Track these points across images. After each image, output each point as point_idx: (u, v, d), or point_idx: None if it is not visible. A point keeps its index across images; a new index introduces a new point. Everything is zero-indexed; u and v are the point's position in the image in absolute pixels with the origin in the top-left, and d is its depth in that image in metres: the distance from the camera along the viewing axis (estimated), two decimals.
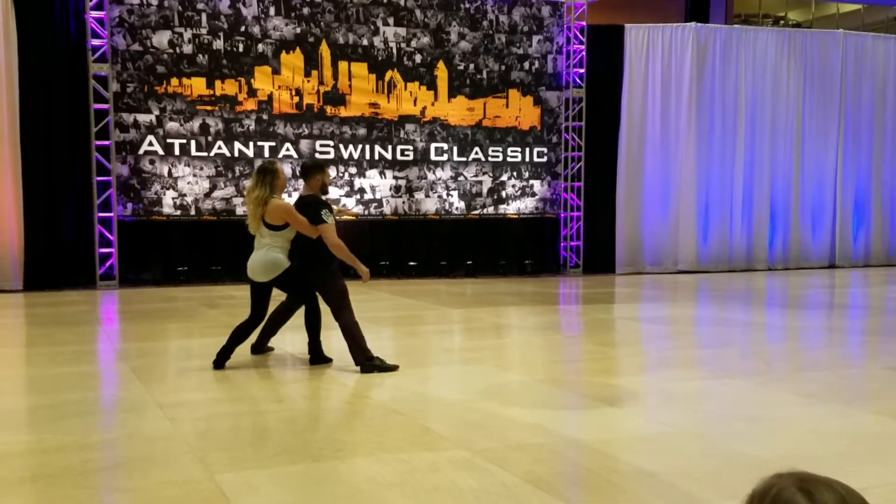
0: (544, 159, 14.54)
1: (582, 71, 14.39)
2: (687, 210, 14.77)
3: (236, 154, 13.07)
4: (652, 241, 14.84)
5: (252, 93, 13.10)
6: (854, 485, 1.32)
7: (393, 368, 6.37)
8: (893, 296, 12.06)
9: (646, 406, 5.48)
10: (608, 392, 5.75)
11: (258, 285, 6.50)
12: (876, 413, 5.09)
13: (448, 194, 14.08)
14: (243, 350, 7.00)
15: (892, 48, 15.93)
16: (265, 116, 13.16)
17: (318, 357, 6.67)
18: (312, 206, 6.42)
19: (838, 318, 10.14)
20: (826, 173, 15.60)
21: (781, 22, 20.76)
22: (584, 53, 14.36)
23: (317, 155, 13.32)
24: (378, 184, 13.71)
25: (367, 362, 6.36)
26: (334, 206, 6.85)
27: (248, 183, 6.80)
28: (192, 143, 12.87)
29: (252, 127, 13.11)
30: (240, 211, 13.07)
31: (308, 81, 13.33)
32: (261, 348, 7.06)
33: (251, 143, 13.12)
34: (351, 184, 13.60)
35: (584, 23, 14.34)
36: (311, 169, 6.67)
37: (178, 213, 12.85)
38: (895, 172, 15.99)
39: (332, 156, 13.45)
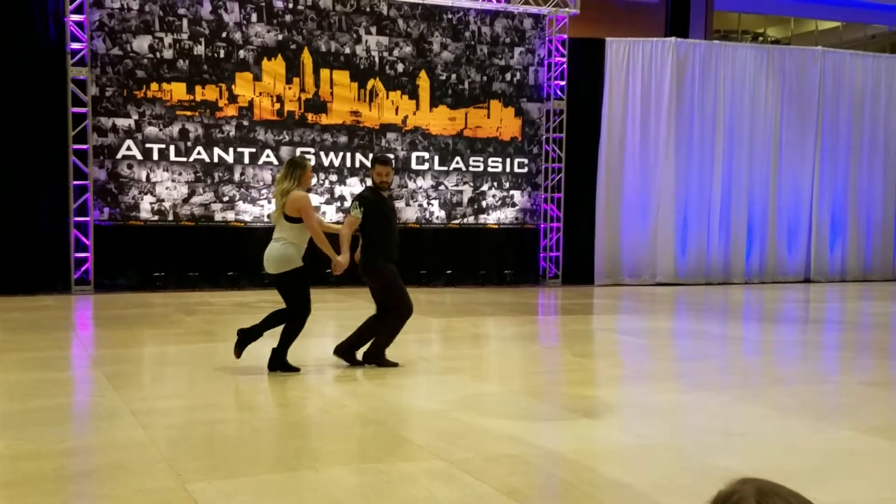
0: (525, 170, 14.58)
1: (563, 83, 14.46)
2: (665, 223, 14.86)
3: (216, 160, 13.00)
4: (631, 253, 14.91)
5: (233, 99, 13.04)
6: (826, 501, 1.33)
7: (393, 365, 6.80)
8: (868, 311, 12.18)
9: (623, 418, 5.49)
10: (585, 404, 5.76)
11: (272, 278, 6.55)
12: (850, 429, 5.12)
13: (429, 203, 14.08)
14: (221, 355, 6.94)
15: (869, 66, 16.13)
16: (245, 122, 13.11)
17: (278, 364, 6.55)
18: (355, 197, 6.93)
19: (813, 332, 10.22)
20: (803, 189, 15.75)
21: (760, 38, 20.99)
22: (565, 66, 14.43)
23: None
24: (359, 191, 13.67)
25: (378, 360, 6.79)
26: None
27: (277, 175, 6.95)
28: (171, 148, 12.79)
29: (232, 133, 13.05)
30: (218, 217, 13.00)
31: (289, 88, 13.30)
32: (348, 357, 6.86)
33: (231, 149, 13.06)
34: (331, 191, 13.56)
35: (565, 36, 14.42)
36: (375, 162, 7.03)
37: (156, 218, 12.75)
38: (871, 189, 16.17)
39: (312, 163, 13.39)
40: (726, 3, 17.29)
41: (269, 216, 6.73)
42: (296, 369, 6.57)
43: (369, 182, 7.10)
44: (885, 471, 4.29)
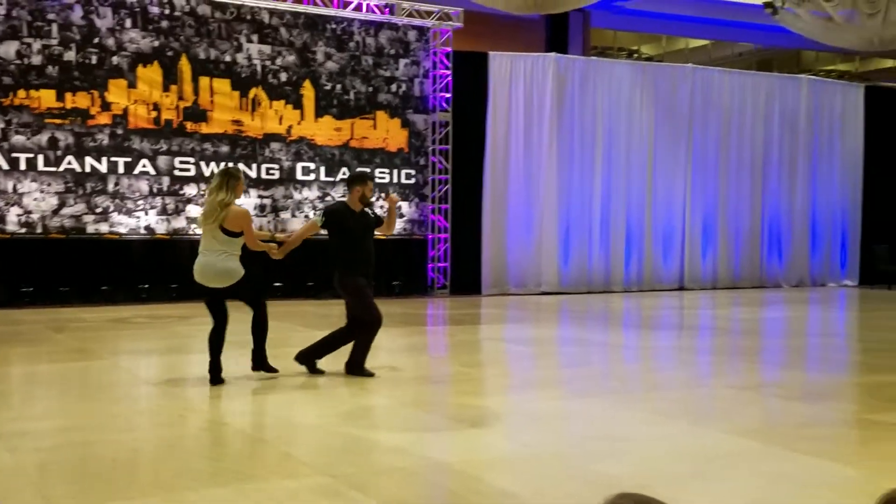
0: (412, 181, 14.61)
1: (448, 95, 14.58)
2: (549, 233, 15.18)
3: (87, 169, 12.45)
4: (516, 263, 15.15)
5: (106, 106, 12.53)
6: (704, 503, 1.36)
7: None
8: (738, 317, 12.77)
9: (509, 427, 5.54)
10: (472, 413, 5.79)
11: (212, 291, 6.53)
12: (724, 431, 5.33)
13: (315, 214, 13.89)
14: (96, 374, 6.63)
15: (736, 83, 16.96)
16: (120, 131, 12.62)
17: (260, 364, 6.74)
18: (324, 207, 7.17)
19: (688, 338, 10.63)
20: (676, 200, 16.39)
21: (635, 55, 21.78)
22: (450, 78, 14.56)
23: (175, 172, 12.89)
24: (241, 202, 13.34)
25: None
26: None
27: (209, 185, 6.95)
28: (40, 157, 12.17)
29: (105, 141, 12.53)
30: (91, 229, 12.44)
31: (167, 96, 12.89)
32: (309, 364, 7.03)
33: (104, 159, 12.54)
34: None
35: (449, 49, 14.56)
36: (352, 180, 7.18)
37: (24, 230, 12.10)
38: (740, 200, 16.98)
39: (192, 173, 13.04)
40: (602, 21, 17.86)
41: (196, 226, 6.84)
42: (274, 370, 6.75)
43: (350, 198, 7.10)
44: (757, 472, 4.48)
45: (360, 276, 6.94)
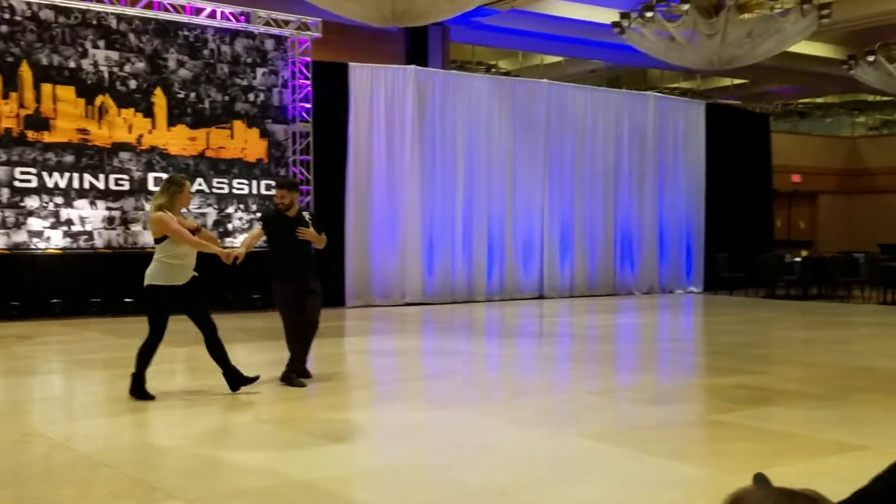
0: (273, 192, 14.30)
1: (308, 105, 14.39)
2: (412, 245, 15.22)
3: None
4: (380, 274, 15.11)
5: None
6: None
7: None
8: (594, 324, 13.21)
9: (372, 440, 5.49)
10: (335, 428, 5.70)
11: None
12: (580, 436, 5.48)
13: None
14: None
15: (589, 98, 17.59)
16: None
17: (237, 380, 6.67)
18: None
19: (548, 345, 10.90)
20: (535, 211, 16.80)
21: (493, 69, 22.25)
22: (310, 88, 14.37)
23: (16, 183, 12.12)
24: (88, 215, 12.72)
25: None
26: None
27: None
28: None
29: None
30: None
31: (6, 104, 12.10)
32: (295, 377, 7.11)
33: None
34: (57, 214, 12.49)
35: (308, 59, 14.38)
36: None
37: None
38: (594, 211, 17.57)
39: (34, 184, 12.28)
40: (461, 36, 18.13)
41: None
42: (150, 397, 6.42)
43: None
44: (611, 474, 4.62)
45: (288, 280, 7.14)
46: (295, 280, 7.15)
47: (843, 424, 5.78)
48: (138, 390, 6.43)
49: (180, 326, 11.52)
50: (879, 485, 2.11)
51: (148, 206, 13.20)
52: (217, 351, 6.63)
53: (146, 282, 6.50)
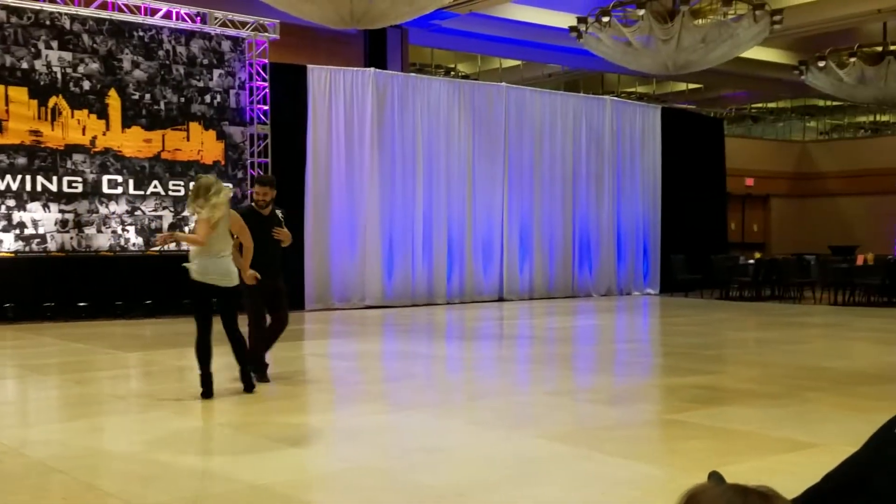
0: (230, 195, 14.16)
1: (266, 108, 14.29)
2: (372, 247, 15.18)
3: None
4: (340, 277, 15.04)
5: None
6: None
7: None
8: (553, 326, 13.29)
9: (329, 443, 5.47)
10: (293, 432, 5.66)
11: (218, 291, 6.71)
12: (539, 437, 5.51)
13: (124, 229, 13.18)
14: None
15: (547, 102, 17.72)
16: None
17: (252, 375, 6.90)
18: None
19: (507, 348, 10.95)
20: (494, 214, 16.87)
21: (452, 73, 22.29)
22: (267, 90, 14.28)
23: None
24: (41, 218, 12.49)
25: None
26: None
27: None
28: None
29: None
30: None
31: None
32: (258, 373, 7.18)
33: None
34: (9, 217, 12.24)
35: (266, 60, 14.28)
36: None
37: None
38: (553, 214, 17.71)
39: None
40: (419, 39, 18.14)
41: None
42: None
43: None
44: (569, 474, 4.66)
45: (264, 278, 7.08)
46: (268, 278, 7.14)
47: (796, 423, 5.89)
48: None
49: (136, 331, 11.40)
50: (830, 482, 2.16)
51: (103, 210, 13.03)
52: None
53: (236, 282, 6.74)
